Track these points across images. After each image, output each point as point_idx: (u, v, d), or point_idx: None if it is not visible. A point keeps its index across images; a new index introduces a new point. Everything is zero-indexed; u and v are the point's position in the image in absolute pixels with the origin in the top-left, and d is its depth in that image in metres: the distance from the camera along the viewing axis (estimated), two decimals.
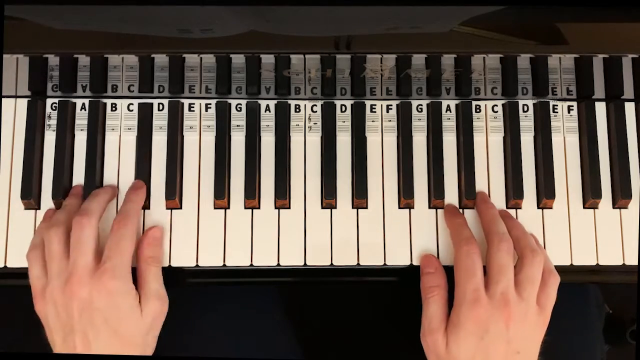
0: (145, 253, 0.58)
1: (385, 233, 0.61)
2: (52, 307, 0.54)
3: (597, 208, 0.62)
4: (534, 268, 0.56)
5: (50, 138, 0.62)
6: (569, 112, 0.64)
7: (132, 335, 0.55)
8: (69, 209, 0.58)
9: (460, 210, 0.62)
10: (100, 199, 0.58)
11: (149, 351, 0.57)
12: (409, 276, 0.60)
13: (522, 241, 0.58)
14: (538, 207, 0.62)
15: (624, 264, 0.61)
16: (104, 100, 0.63)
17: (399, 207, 0.62)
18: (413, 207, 0.62)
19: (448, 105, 0.63)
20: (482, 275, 0.56)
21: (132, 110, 0.63)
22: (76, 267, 0.54)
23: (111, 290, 0.54)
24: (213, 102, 0.63)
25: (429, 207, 0.62)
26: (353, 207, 0.61)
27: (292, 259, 0.60)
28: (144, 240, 0.58)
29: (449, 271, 0.58)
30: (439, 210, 0.62)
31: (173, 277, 0.60)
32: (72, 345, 0.53)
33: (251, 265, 0.60)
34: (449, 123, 0.63)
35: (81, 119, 0.62)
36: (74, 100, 0.63)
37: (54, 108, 0.62)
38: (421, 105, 0.64)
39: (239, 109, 0.63)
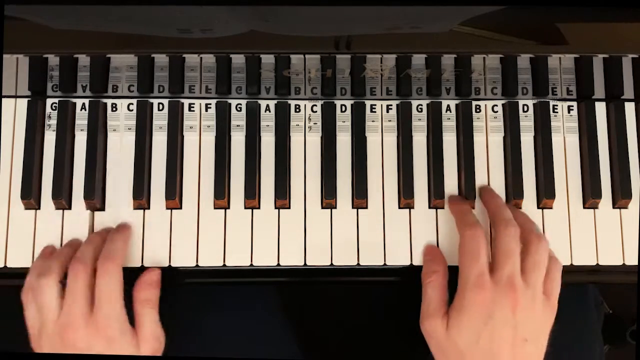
0: (140, 296, 0.57)
1: (385, 233, 0.61)
2: (52, 349, 0.54)
3: (597, 208, 0.62)
4: (539, 254, 0.56)
5: (50, 138, 0.62)
6: (569, 112, 0.64)
7: None
8: (62, 257, 0.57)
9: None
10: (96, 244, 0.58)
11: None
12: (409, 276, 0.60)
13: (527, 227, 0.57)
14: (538, 207, 0.62)
15: (624, 264, 0.61)
16: (104, 100, 0.63)
17: (399, 207, 0.62)
18: (413, 207, 0.62)
19: (448, 105, 0.63)
20: (487, 260, 0.55)
21: (132, 110, 0.63)
22: (72, 318, 0.54)
23: (108, 336, 0.54)
24: (213, 102, 0.63)
25: (429, 207, 0.62)
26: (353, 207, 0.61)
27: (292, 259, 0.60)
28: (139, 284, 0.58)
29: (452, 271, 0.58)
30: (439, 210, 0.62)
31: (173, 277, 0.60)
32: None
33: (251, 265, 0.60)
34: (449, 123, 0.63)
35: (81, 119, 0.62)
36: (74, 100, 0.63)
37: (54, 108, 0.62)
38: (421, 105, 0.64)
39: (239, 109, 0.63)
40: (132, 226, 0.60)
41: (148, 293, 0.58)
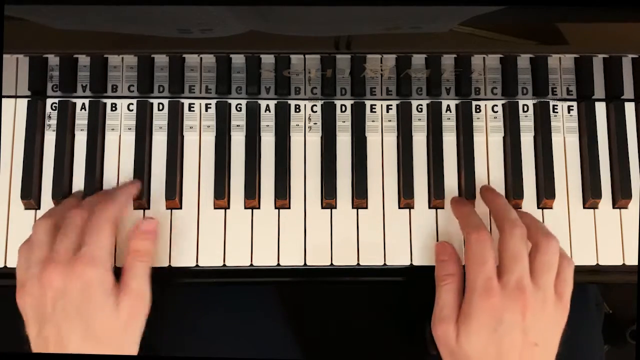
0: (134, 245, 0.55)
1: (385, 233, 0.61)
2: (29, 298, 0.52)
3: (597, 208, 0.62)
4: (549, 254, 0.54)
5: (50, 138, 0.62)
6: (569, 112, 0.64)
7: (106, 331, 0.51)
8: (65, 205, 0.58)
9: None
10: (101, 198, 0.57)
11: (128, 354, 0.53)
12: (409, 276, 0.60)
13: (534, 227, 0.56)
14: (538, 207, 0.62)
15: (624, 264, 0.61)
16: (104, 100, 0.63)
17: (399, 207, 0.62)
18: (413, 207, 0.62)
19: (448, 105, 0.63)
20: (494, 263, 0.53)
21: (132, 110, 0.63)
22: (55, 253, 0.52)
23: (86, 278, 0.51)
24: (213, 102, 0.63)
25: (429, 207, 0.62)
26: (353, 207, 0.61)
27: (292, 259, 0.60)
28: (134, 232, 0.56)
29: None
30: (439, 210, 0.62)
31: (173, 277, 0.60)
32: (44, 337, 0.51)
33: (251, 265, 0.60)
34: (449, 123, 0.63)
35: (81, 119, 0.62)
36: (74, 100, 0.63)
37: (54, 108, 0.62)
38: (421, 105, 0.64)
39: (239, 109, 0.63)
40: (139, 184, 0.59)
41: (140, 243, 0.55)
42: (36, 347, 0.52)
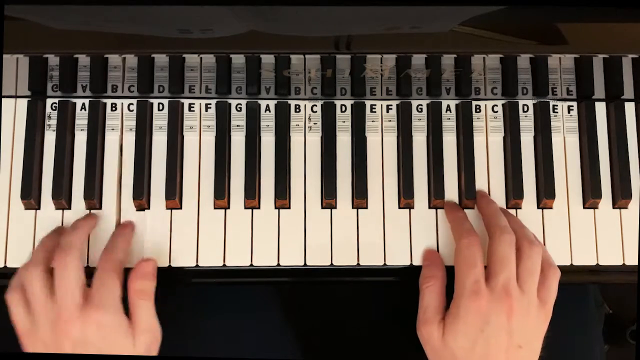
0: (134, 286, 0.56)
1: (385, 233, 0.61)
2: (43, 346, 0.53)
3: (597, 208, 0.62)
4: (532, 259, 0.56)
5: (50, 138, 0.62)
6: (569, 112, 0.64)
7: None
8: (47, 246, 0.57)
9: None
10: (80, 231, 0.58)
11: None
12: (409, 276, 0.60)
13: (519, 234, 0.58)
14: (538, 207, 0.62)
15: (624, 264, 0.61)
16: (104, 100, 0.63)
17: (399, 207, 0.62)
18: (413, 207, 0.62)
19: (448, 105, 0.63)
20: (483, 267, 0.56)
21: (132, 110, 0.63)
22: (64, 307, 0.53)
23: (102, 323, 0.53)
24: (213, 102, 0.63)
25: (429, 207, 0.62)
26: (353, 207, 0.61)
27: (292, 259, 0.60)
28: (133, 273, 0.57)
29: (451, 271, 0.58)
30: (439, 210, 0.62)
31: (173, 277, 0.60)
32: None
33: (251, 265, 0.60)
34: (449, 123, 0.63)
35: (81, 119, 0.62)
36: (74, 100, 0.63)
37: (54, 108, 0.62)
38: (421, 105, 0.64)
39: (239, 109, 0.63)
40: (133, 224, 0.60)
41: (142, 284, 0.57)
42: None
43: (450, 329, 0.55)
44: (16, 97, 0.62)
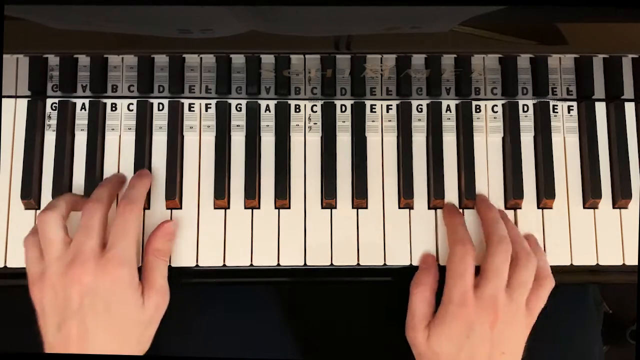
0: (156, 245, 0.57)
1: (385, 233, 0.61)
2: (51, 292, 0.53)
3: (597, 208, 0.62)
4: (527, 271, 0.57)
5: (50, 138, 0.62)
6: (569, 112, 0.64)
7: (131, 326, 0.54)
8: (68, 199, 0.58)
9: (460, 211, 0.62)
10: (112, 188, 0.58)
11: (143, 349, 0.56)
12: (409, 276, 0.60)
13: (518, 244, 0.58)
14: (538, 207, 0.62)
15: (624, 264, 0.61)
16: (104, 100, 0.63)
17: (399, 207, 0.62)
18: (413, 207, 0.62)
19: (448, 105, 0.63)
20: (473, 277, 0.56)
21: (132, 110, 0.63)
22: (82, 251, 0.53)
23: (117, 277, 0.53)
24: (213, 102, 0.63)
25: (429, 207, 0.62)
26: (353, 207, 0.61)
27: (292, 259, 0.60)
28: (156, 232, 0.58)
29: (444, 270, 0.58)
30: (439, 211, 0.62)
31: (173, 277, 0.60)
32: (66, 332, 0.51)
33: (251, 265, 0.60)
34: (449, 123, 0.63)
35: (81, 119, 0.62)
36: (74, 100, 0.63)
37: (54, 108, 0.62)
38: (421, 105, 0.64)
39: (239, 109, 0.63)
40: (149, 172, 0.61)
41: (162, 243, 0.57)
42: (54, 341, 0.52)
43: (435, 332, 0.56)
44: (16, 97, 0.62)
